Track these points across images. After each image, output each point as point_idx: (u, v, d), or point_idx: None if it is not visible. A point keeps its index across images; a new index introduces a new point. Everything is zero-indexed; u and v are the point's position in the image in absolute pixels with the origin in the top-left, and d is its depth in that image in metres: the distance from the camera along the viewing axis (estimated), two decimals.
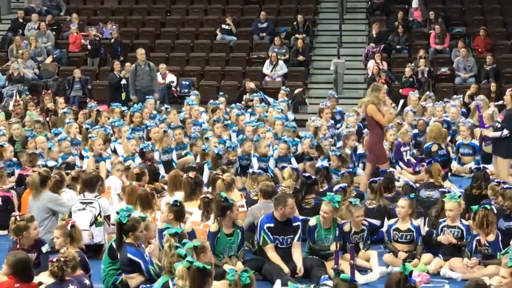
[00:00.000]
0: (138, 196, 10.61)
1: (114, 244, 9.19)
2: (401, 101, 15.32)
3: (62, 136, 14.85)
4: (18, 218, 9.16)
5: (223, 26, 26.50)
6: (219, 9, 28.22)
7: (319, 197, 11.15)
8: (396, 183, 12.77)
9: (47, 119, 18.30)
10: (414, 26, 26.40)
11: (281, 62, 24.49)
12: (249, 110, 19.17)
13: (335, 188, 11.64)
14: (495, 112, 17.12)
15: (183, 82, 24.13)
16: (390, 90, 22.99)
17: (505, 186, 10.98)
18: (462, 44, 24.39)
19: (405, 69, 23.30)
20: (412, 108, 18.47)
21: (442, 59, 25.01)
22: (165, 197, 11.55)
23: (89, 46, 25.57)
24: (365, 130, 16.19)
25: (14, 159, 14.10)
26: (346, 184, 11.88)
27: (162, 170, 14.36)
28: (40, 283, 8.06)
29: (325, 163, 13.37)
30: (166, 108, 17.96)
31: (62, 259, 7.78)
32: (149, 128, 15.96)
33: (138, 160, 14.21)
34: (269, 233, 9.87)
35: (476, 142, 16.09)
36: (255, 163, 14.53)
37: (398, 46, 25.48)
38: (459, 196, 10.45)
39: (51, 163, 13.48)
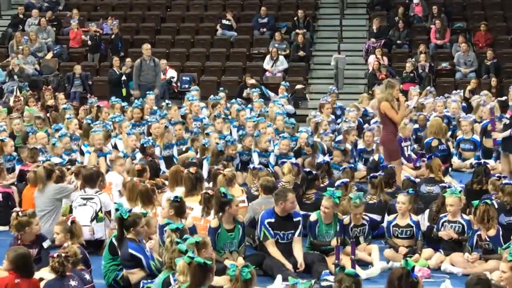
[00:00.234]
0: (138, 192, 10.62)
1: (114, 240, 9.20)
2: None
3: (62, 132, 14.86)
4: (20, 213, 9.17)
5: (224, 21, 26.48)
6: (220, 4, 28.20)
7: (320, 193, 11.15)
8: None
9: (48, 115, 18.30)
10: (415, 21, 26.38)
11: (281, 58, 24.47)
12: (249, 105, 19.17)
13: (337, 183, 11.64)
14: (495, 106, 17.13)
15: (184, 78, 24.12)
16: None
17: (505, 181, 10.98)
18: (462, 39, 24.37)
19: (406, 64, 23.28)
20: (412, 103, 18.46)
21: (443, 54, 24.98)
22: (166, 192, 11.56)
23: (89, 42, 25.56)
24: (366, 125, 16.21)
25: (15, 154, 14.11)
26: (347, 180, 11.88)
27: (163, 166, 14.36)
28: (41, 279, 8.07)
29: (327, 158, 13.38)
30: (167, 104, 17.97)
31: (63, 254, 7.78)
32: (149, 123, 15.96)
33: (138, 155, 14.23)
34: (269, 229, 9.88)
35: (476, 137, 16.08)
36: (255, 158, 14.54)
37: (398, 41, 25.45)
38: (460, 191, 10.45)
39: (55, 160, 13.55)
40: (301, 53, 25.04)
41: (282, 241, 9.90)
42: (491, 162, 14.47)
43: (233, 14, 26.71)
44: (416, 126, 17.03)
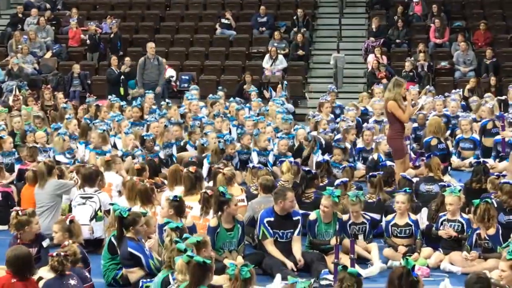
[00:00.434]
0: (138, 191, 10.62)
1: (113, 239, 9.20)
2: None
3: (61, 131, 14.85)
4: (20, 212, 9.16)
5: (223, 20, 26.48)
6: (219, 3, 28.20)
7: (319, 191, 11.16)
8: None
9: (47, 114, 18.30)
10: (414, 20, 26.38)
11: (280, 57, 24.47)
12: (248, 104, 19.20)
13: (336, 182, 11.64)
14: (495, 106, 17.14)
15: (183, 77, 24.14)
16: None
17: (503, 180, 10.98)
18: (461, 38, 24.37)
19: (405, 63, 23.28)
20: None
21: (442, 53, 25.00)
22: (165, 191, 11.55)
23: (88, 41, 25.55)
24: (365, 125, 16.21)
25: (14, 150, 14.11)
26: (347, 179, 11.88)
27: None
28: (40, 278, 8.06)
29: (326, 157, 13.38)
30: (167, 103, 17.98)
31: (62, 253, 7.78)
32: (148, 123, 15.97)
33: (138, 154, 14.23)
34: (269, 228, 9.88)
35: (476, 136, 16.09)
36: (254, 157, 14.54)
37: (397, 40, 25.46)
38: (459, 190, 10.45)
39: (61, 158, 13.62)
40: (300, 52, 25.04)
41: (281, 240, 9.90)
42: (490, 161, 14.46)
43: (232, 13, 26.71)
44: (415, 125, 17.04)
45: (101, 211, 10.72)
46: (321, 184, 12.15)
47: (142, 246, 9.06)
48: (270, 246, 9.86)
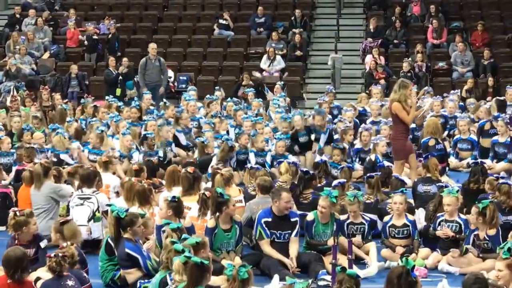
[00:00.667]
0: (136, 192, 10.61)
1: (110, 240, 9.19)
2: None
3: (61, 131, 14.82)
4: (17, 213, 9.15)
5: (220, 21, 26.49)
6: (216, 4, 28.20)
7: (317, 192, 11.16)
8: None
9: (45, 115, 18.30)
10: (412, 20, 26.41)
11: (278, 57, 24.49)
12: (245, 104, 19.22)
13: (334, 183, 11.64)
14: (492, 106, 17.16)
15: (181, 78, 24.14)
16: (388, 85, 23.02)
17: (501, 181, 10.98)
18: (459, 38, 24.40)
19: (403, 64, 23.30)
20: None
21: (440, 53, 25.02)
22: (163, 192, 11.55)
23: (86, 42, 25.55)
24: (363, 125, 16.21)
25: (12, 151, 14.11)
26: (344, 180, 11.88)
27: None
28: (38, 278, 8.06)
29: (324, 158, 13.39)
30: (165, 103, 18.00)
31: (60, 254, 7.78)
32: (145, 122, 16.00)
33: (135, 155, 14.24)
34: (266, 228, 9.88)
35: (474, 137, 16.11)
36: (252, 158, 14.54)
37: (395, 41, 25.47)
38: (457, 191, 10.46)
39: (66, 158, 13.65)
40: (298, 52, 25.05)
41: (278, 241, 9.90)
42: (488, 162, 14.48)
43: (230, 14, 26.73)
44: (413, 125, 17.03)
45: (99, 212, 10.72)
46: (319, 185, 12.15)
47: (139, 247, 9.06)
48: (266, 247, 9.86)
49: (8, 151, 14.05)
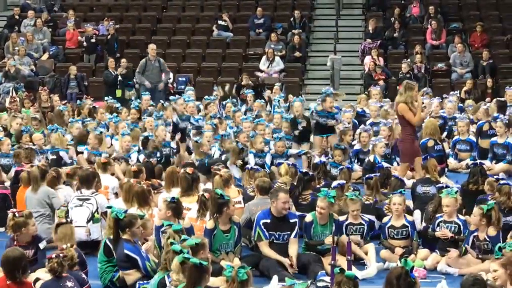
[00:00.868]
0: (135, 193, 10.61)
1: (108, 242, 9.19)
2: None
3: (62, 131, 14.82)
4: (16, 214, 9.16)
5: (220, 22, 26.51)
6: (215, 5, 28.23)
7: (316, 193, 11.14)
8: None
9: (44, 116, 18.31)
10: (411, 21, 26.42)
11: (277, 58, 24.51)
12: (244, 105, 19.25)
13: (333, 184, 11.64)
14: (490, 107, 17.16)
15: (180, 79, 24.16)
16: (387, 86, 23.05)
17: (502, 181, 10.99)
18: (458, 39, 24.42)
19: (402, 65, 23.32)
20: None
21: (439, 54, 25.05)
22: (162, 193, 11.56)
23: (85, 43, 25.56)
24: (362, 126, 16.21)
25: (11, 153, 14.11)
26: (344, 181, 11.88)
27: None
28: (37, 279, 8.07)
29: (323, 159, 13.40)
30: (162, 104, 18.01)
31: (61, 255, 7.78)
32: (144, 120, 16.03)
33: (133, 156, 14.24)
34: (264, 230, 9.87)
35: (472, 138, 16.12)
36: (251, 159, 14.52)
37: (395, 34, 25.44)
38: (456, 192, 10.46)
39: (63, 154, 13.66)
40: (297, 53, 25.07)
41: (277, 242, 9.90)
42: (487, 163, 14.50)
43: (229, 15, 26.76)
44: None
45: (98, 213, 10.72)
46: (318, 186, 12.15)
47: (138, 248, 9.06)
48: (265, 248, 9.86)
49: (8, 153, 14.05)
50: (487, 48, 24.38)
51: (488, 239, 9.80)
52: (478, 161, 13.26)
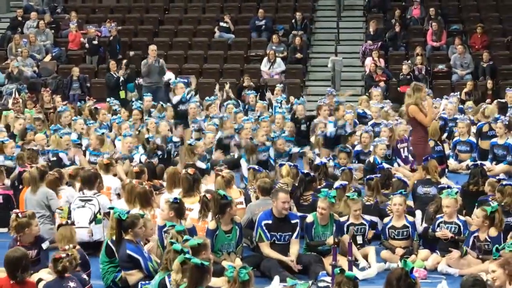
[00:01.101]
0: (137, 194, 10.63)
1: (110, 242, 9.23)
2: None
3: (64, 131, 14.86)
4: (20, 215, 9.20)
5: (221, 24, 26.55)
6: (217, 7, 28.27)
7: (317, 194, 11.18)
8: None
9: (47, 117, 18.36)
10: (411, 23, 26.46)
11: (279, 60, 24.56)
12: (247, 106, 19.30)
13: (335, 185, 11.67)
14: (487, 108, 17.19)
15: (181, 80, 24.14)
16: (387, 88, 23.10)
17: (504, 182, 11.01)
18: (458, 41, 24.46)
19: (403, 66, 23.37)
20: None
21: (439, 56, 25.08)
22: (163, 194, 11.60)
23: (87, 45, 25.61)
24: (363, 127, 16.25)
25: (15, 155, 14.16)
26: (346, 182, 11.92)
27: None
28: (40, 280, 8.11)
29: (324, 160, 13.44)
30: (162, 105, 18.06)
31: (69, 255, 7.83)
32: (146, 121, 16.09)
33: (136, 157, 14.29)
34: (266, 231, 9.90)
35: (473, 139, 16.16)
36: (243, 164, 14.46)
37: (395, 32, 25.51)
38: (456, 193, 10.50)
39: (62, 155, 13.68)
40: (298, 55, 25.12)
41: (278, 242, 9.94)
42: (487, 164, 14.53)
43: (230, 17, 26.79)
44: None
45: (100, 214, 10.74)
46: (319, 186, 12.19)
47: (140, 248, 9.09)
48: (266, 249, 9.89)
49: (12, 155, 14.07)
50: (488, 50, 24.40)
51: (489, 240, 9.82)
52: (479, 162, 13.28)
